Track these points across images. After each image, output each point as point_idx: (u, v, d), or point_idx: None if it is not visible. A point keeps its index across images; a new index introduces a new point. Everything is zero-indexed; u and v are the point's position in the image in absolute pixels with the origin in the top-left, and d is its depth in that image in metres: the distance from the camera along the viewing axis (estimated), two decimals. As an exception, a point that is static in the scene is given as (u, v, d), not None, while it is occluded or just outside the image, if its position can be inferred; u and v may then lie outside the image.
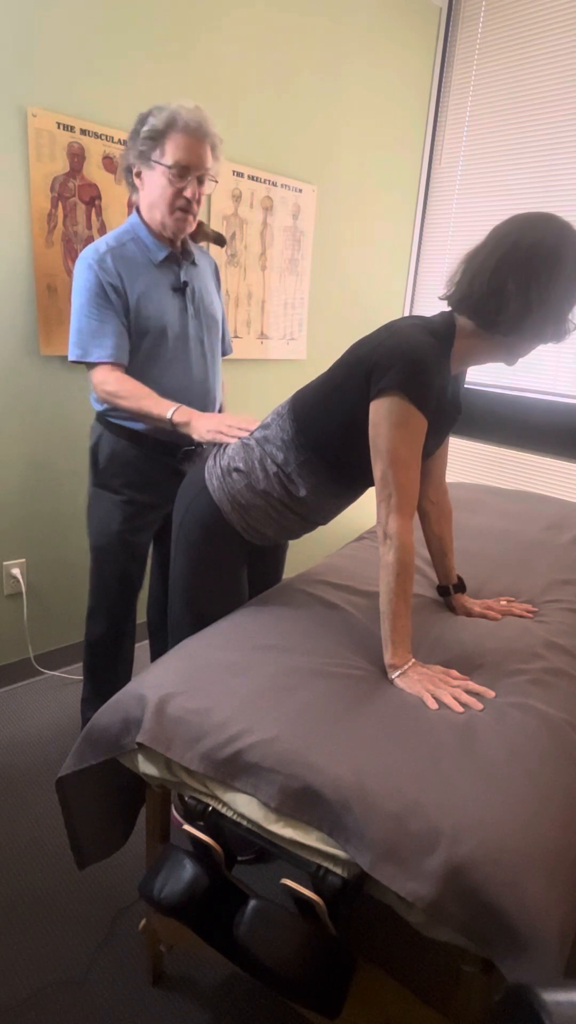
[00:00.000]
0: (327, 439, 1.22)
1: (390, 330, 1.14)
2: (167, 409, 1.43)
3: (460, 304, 1.11)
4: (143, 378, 1.53)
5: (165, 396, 1.53)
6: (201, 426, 1.39)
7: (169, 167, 1.39)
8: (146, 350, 1.53)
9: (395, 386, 1.07)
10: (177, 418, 1.42)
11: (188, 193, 1.43)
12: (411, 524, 1.12)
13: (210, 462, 1.35)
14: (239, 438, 1.33)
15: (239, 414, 1.42)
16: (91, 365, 1.50)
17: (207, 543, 1.33)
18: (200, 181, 1.44)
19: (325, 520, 1.36)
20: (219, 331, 1.69)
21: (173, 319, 1.53)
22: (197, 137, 1.39)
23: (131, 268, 1.48)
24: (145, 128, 1.39)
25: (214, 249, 2.20)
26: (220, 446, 1.37)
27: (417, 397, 1.08)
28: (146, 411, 1.45)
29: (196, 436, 1.40)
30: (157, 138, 1.38)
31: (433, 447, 1.26)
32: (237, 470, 1.29)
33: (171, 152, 1.38)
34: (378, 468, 1.11)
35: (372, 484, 1.26)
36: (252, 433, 1.32)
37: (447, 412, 1.24)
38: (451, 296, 1.13)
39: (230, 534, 1.32)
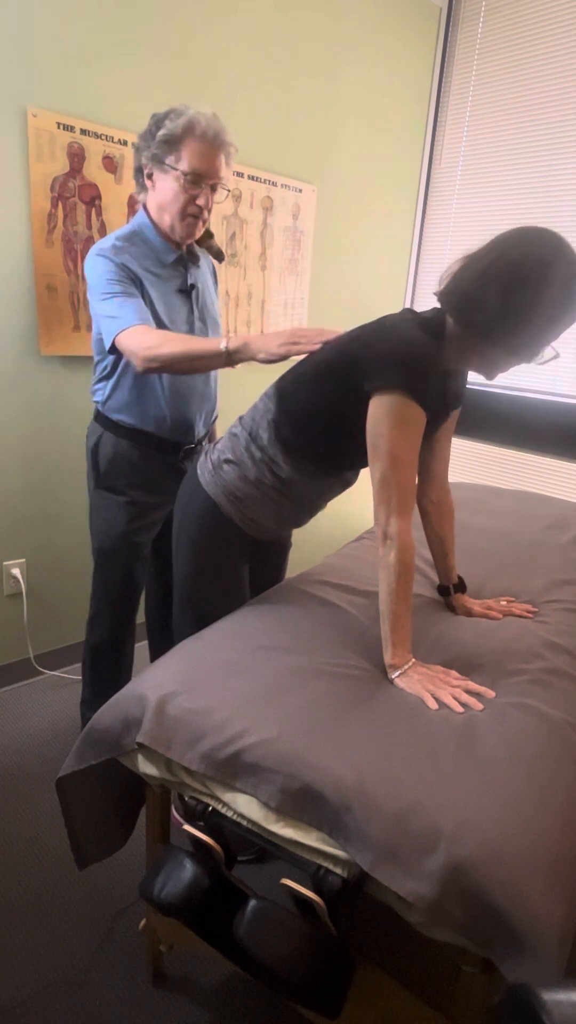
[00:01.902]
0: (307, 428, 1.23)
1: (383, 325, 1.14)
2: (219, 342, 1.28)
3: (445, 298, 1.11)
4: (146, 379, 1.53)
5: (169, 398, 1.53)
6: (267, 344, 1.24)
7: (185, 174, 1.38)
8: None
9: (394, 384, 1.07)
10: (232, 345, 1.27)
11: (201, 201, 1.42)
12: (411, 524, 1.12)
13: (201, 459, 1.36)
14: (230, 431, 1.34)
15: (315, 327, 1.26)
16: (127, 331, 1.36)
17: (207, 540, 1.33)
18: (213, 189, 1.43)
19: (319, 502, 1.37)
20: (220, 332, 1.68)
21: (179, 321, 1.53)
22: (214, 146, 1.38)
23: (142, 269, 1.47)
24: (162, 132, 1.36)
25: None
26: (212, 443, 1.37)
27: (417, 392, 1.08)
28: (197, 351, 1.30)
29: (264, 356, 1.25)
30: (173, 143, 1.37)
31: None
32: (228, 461, 1.30)
33: (187, 159, 1.37)
34: (377, 469, 1.11)
35: (351, 467, 1.29)
36: (240, 420, 1.33)
37: (439, 407, 1.24)
38: (440, 291, 1.13)
39: (229, 528, 1.32)
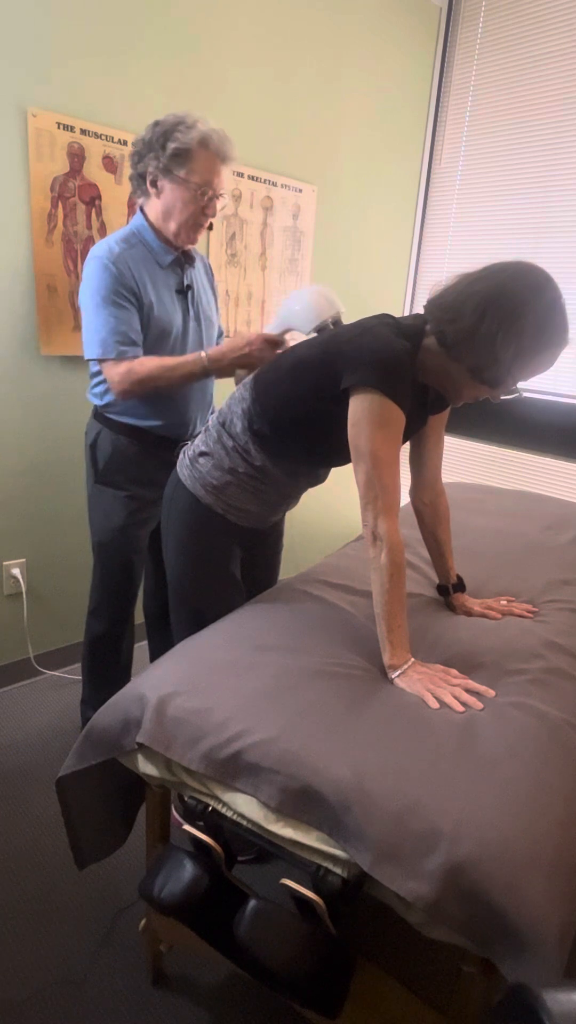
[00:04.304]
0: (280, 422, 1.24)
1: (361, 327, 1.16)
2: (199, 363, 1.44)
3: (428, 305, 1.13)
4: None
5: (167, 399, 1.55)
6: (232, 349, 1.43)
7: (199, 186, 1.43)
8: (148, 351, 1.53)
9: (370, 383, 1.08)
10: (211, 359, 1.44)
11: (210, 211, 1.47)
12: (398, 523, 1.12)
13: (180, 457, 1.39)
14: (205, 426, 1.38)
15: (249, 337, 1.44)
16: (107, 361, 1.47)
17: (192, 534, 1.34)
18: (216, 197, 1.48)
19: (298, 486, 1.37)
20: (215, 332, 1.70)
21: (177, 321, 1.55)
22: (224, 160, 1.43)
23: (142, 271, 1.48)
24: (173, 144, 1.39)
25: (204, 241, 2.20)
26: (188, 441, 1.41)
27: (393, 392, 1.08)
28: (183, 376, 1.45)
29: (230, 361, 1.43)
30: (185, 156, 1.40)
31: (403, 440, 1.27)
32: (203, 454, 1.33)
33: (200, 172, 1.41)
34: (361, 471, 1.11)
35: (320, 463, 1.31)
36: (215, 412, 1.37)
37: (416, 412, 1.25)
38: (428, 298, 1.14)
39: (213, 519, 1.33)
